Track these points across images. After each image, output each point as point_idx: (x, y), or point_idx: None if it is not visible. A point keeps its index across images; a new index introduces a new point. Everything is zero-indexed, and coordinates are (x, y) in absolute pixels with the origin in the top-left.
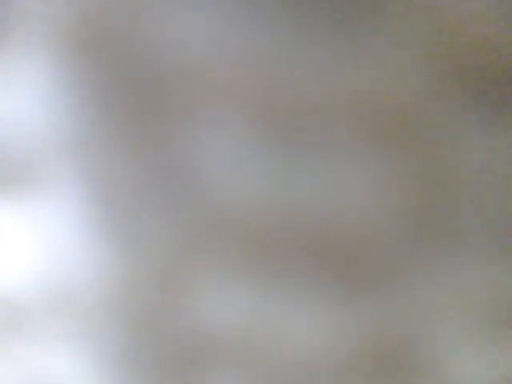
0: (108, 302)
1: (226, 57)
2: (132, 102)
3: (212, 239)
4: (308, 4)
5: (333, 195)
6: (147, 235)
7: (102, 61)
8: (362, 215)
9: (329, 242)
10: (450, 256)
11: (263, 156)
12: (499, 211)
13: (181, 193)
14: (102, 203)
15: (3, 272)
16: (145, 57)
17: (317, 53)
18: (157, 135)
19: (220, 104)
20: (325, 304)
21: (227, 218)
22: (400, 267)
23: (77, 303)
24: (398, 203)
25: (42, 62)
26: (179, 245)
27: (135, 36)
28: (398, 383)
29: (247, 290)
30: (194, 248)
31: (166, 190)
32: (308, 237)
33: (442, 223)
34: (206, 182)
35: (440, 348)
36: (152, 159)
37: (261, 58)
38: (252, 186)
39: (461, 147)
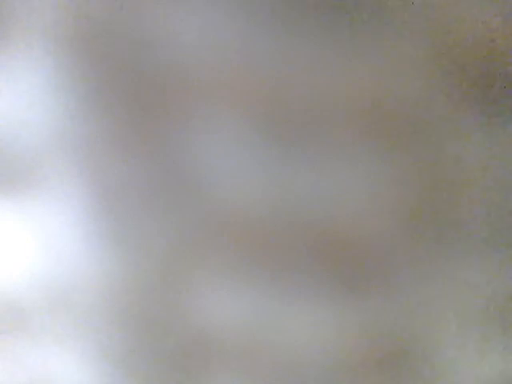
0: (108, 301)
1: (226, 56)
2: (133, 102)
3: (212, 239)
4: (308, 3)
5: (332, 195)
6: (147, 235)
7: (102, 61)
8: (362, 215)
9: (329, 242)
10: (450, 256)
11: (263, 156)
12: (499, 211)
13: (181, 193)
14: (102, 203)
15: (3, 272)
16: (145, 57)
17: (317, 52)
18: (157, 135)
19: (220, 104)
20: (325, 304)
21: (227, 218)
22: (400, 267)
23: (77, 303)
24: (397, 203)
25: (42, 62)
26: (179, 245)
27: (135, 36)
28: (397, 383)
29: (247, 290)
30: (194, 248)
31: (167, 189)
32: (308, 236)
33: (442, 223)
34: (206, 182)
35: (440, 348)
36: (152, 159)
37: (260, 58)
38: (252, 187)
39: (461, 147)
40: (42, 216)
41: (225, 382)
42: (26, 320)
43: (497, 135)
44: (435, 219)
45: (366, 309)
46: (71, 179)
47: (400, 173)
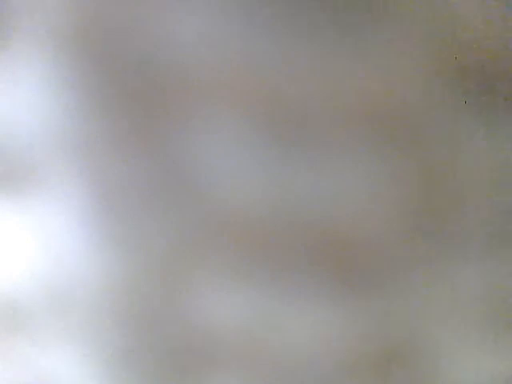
0: (108, 301)
1: (226, 56)
2: (133, 102)
3: (212, 239)
4: (308, 3)
5: (332, 195)
6: (147, 235)
7: (101, 61)
8: (362, 215)
9: (329, 242)
10: (450, 256)
11: (263, 156)
12: (499, 212)
13: (181, 192)
14: (102, 203)
15: (3, 272)
16: (145, 57)
17: (317, 53)
18: (157, 135)
19: (220, 104)
20: (325, 304)
21: (227, 218)
22: (400, 267)
23: (77, 303)
24: (397, 203)
25: (42, 61)
26: (179, 245)
27: (135, 36)
28: (397, 383)
29: (247, 290)
30: (194, 248)
31: (167, 189)
32: (308, 236)
33: (442, 223)
34: (206, 182)
35: (441, 348)
36: (152, 159)
37: (260, 58)
38: (252, 187)
39: (461, 147)
40: (42, 216)
41: (225, 381)
42: (26, 320)
43: (497, 135)
44: (435, 219)
45: (366, 309)
46: (71, 179)
47: (400, 173)
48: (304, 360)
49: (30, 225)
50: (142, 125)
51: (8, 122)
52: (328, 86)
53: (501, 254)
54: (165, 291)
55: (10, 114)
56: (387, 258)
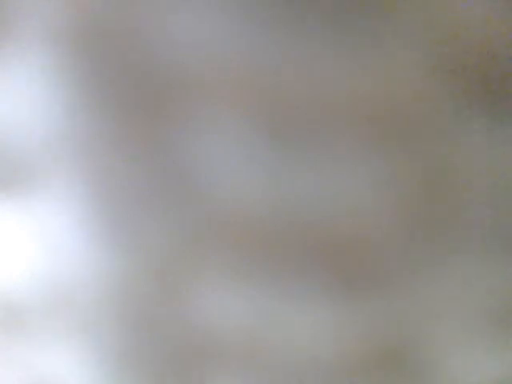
0: (108, 302)
1: (226, 56)
2: (133, 102)
3: (212, 239)
4: (308, 4)
5: (332, 195)
6: (147, 235)
7: (102, 61)
8: (362, 215)
9: (329, 243)
10: (451, 256)
11: (263, 156)
12: (500, 211)
13: (181, 192)
14: (102, 203)
15: (3, 272)
16: (146, 57)
17: (317, 52)
18: (157, 135)
19: (220, 104)
20: (325, 304)
21: (227, 218)
22: (400, 267)
23: (77, 303)
24: (398, 203)
25: (42, 61)
26: (179, 245)
27: (136, 36)
28: (397, 383)
29: (247, 290)
30: (194, 248)
31: (167, 189)
32: (308, 236)
33: (443, 223)
34: (206, 182)
35: (440, 348)
36: (152, 159)
37: (260, 58)
38: (252, 187)
39: (461, 147)
40: (42, 216)
41: (225, 381)
42: (26, 320)
43: (497, 135)
44: (435, 219)
45: (365, 309)
46: (71, 179)
47: (400, 173)
48: (304, 360)
49: (30, 225)
50: (142, 125)
51: (9, 122)
52: (328, 86)
53: (501, 255)
54: (165, 291)
55: (11, 115)
56: (387, 258)
